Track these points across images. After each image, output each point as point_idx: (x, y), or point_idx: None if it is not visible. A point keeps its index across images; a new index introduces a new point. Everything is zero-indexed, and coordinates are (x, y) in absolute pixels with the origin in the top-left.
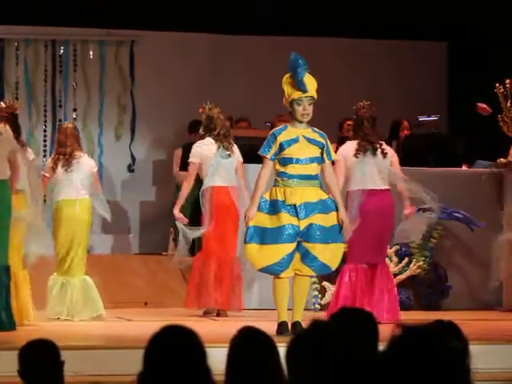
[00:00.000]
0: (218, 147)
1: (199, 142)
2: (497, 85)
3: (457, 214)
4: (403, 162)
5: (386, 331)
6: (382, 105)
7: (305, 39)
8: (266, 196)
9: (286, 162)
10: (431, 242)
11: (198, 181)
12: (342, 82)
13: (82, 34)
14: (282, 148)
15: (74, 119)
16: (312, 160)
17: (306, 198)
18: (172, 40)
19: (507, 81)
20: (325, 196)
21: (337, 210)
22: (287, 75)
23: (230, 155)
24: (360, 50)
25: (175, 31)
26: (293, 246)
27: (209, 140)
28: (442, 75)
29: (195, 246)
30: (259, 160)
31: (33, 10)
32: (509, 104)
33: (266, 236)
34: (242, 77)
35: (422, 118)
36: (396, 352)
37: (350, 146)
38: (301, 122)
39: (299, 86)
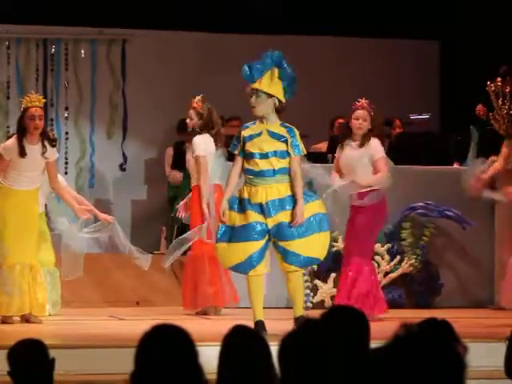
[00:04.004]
0: (215, 146)
1: (200, 136)
2: (488, 83)
3: (448, 213)
4: (395, 160)
5: (377, 329)
6: (373, 103)
7: (295, 38)
8: (237, 194)
9: (247, 157)
10: (423, 240)
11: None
12: (332, 80)
13: (74, 33)
14: (244, 143)
15: (66, 118)
16: (275, 154)
17: (271, 196)
18: (164, 39)
19: (498, 79)
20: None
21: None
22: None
23: (224, 154)
24: (351, 49)
25: (167, 30)
26: (261, 243)
27: (208, 137)
28: (434, 74)
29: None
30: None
31: (24, 8)
32: (500, 102)
33: (234, 234)
34: (233, 75)
35: (413, 117)
36: (397, 351)
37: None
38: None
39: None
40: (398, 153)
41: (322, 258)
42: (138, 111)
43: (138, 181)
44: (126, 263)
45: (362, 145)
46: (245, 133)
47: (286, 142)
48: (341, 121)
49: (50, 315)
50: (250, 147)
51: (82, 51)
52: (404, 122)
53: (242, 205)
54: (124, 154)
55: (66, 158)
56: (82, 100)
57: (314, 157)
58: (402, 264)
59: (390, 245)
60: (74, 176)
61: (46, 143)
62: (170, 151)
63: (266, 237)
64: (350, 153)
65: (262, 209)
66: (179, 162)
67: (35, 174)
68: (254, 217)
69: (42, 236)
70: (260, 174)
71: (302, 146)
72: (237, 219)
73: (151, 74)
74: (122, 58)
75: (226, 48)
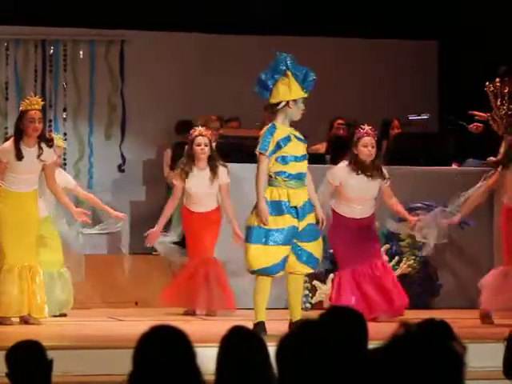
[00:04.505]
0: None
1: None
2: (487, 83)
3: None
4: (393, 160)
5: (376, 330)
6: (372, 104)
7: (293, 38)
8: (267, 195)
9: (286, 160)
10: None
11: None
12: (331, 81)
13: (72, 34)
14: (279, 146)
15: (64, 119)
16: (304, 157)
17: (304, 199)
18: (162, 40)
19: (497, 79)
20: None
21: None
22: (287, 74)
23: None
24: (349, 49)
25: (165, 31)
26: (289, 247)
27: None
28: (432, 74)
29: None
30: (250, 160)
31: (23, 9)
32: (499, 102)
33: (269, 237)
34: (231, 76)
35: (412, 117)
36: (397, 351)
37: None
38: (294, 122)
39: (309, 85)
40: (396, 153)
41: (320, 261)
42: (136, 112)
43: (137, 182)
44: (125, 264)
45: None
46: (277, 136)
47: (305, 144)
48: (340, 121)
49: (61, 315)
50: (288, 150)
51: (81, 52)
52: (402, 123)
53: (276, 207)
54: (122, 155)
55: (65, 159)
56: (80, 101)
57: (312, 158)
58: (401, 264)
59: (388, 245)
60: (72, 177)
61: (42, 145)
62: (168, 152)
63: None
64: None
65: (297, 212)
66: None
67: (32, 176)
68: (291, 221)
69: (50, 238)
70: (297, 177)
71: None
72: (272, 221)
73: (150, 75)
74: (120, 59)
75: (225, 49)
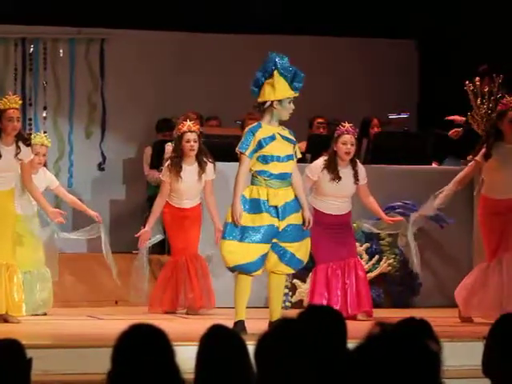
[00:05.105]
0: None
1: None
2: (466, 82)
3: None
4: (373, 159)
5: (355, 328)
6: (351, 102)
7: (272, 37)
8: (246, 194)
9: (267, 159)
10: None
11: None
12: (311, 79)
13: (52, 33)
14: (260, 145)
15: (45, 118)
16: (289, 158)
17: (286, 199)
18: (143, 38)
19: (477, 78)
20: (294, 194)
21: (301, 208)
22: (276, 74)
23: None
24: (328, 48)
25: (146, 30)
26: (268, 246)
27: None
28: (412, 73)
29: (165, 245)
30: (230, 158)
31: (2, 8)
32: (479, 102)
33: (245, 234)
34: (211, 75)
35: (391, 116)
36: (372, 350)
37: None
38: (283, 121)
39: (298, 85)
40: (376, 152)
41: (305, 262)
42: (116, 111)
43: (117, 180)
44: (106, 263)
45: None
46: (259, 135)
47: (294, 145)
48: (320, 120)
49: (41, 314)
50: (270, 150)
51: (61, 51)
52: (382, 122)
53: (254, 205)
54: (103, 154)
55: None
56: (60, 99)
57: None
58: (381, 263)
59: (368, 244)
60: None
61: (20, 144)
62: (148, 151)
63: (272, 240)
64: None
65: (278, 211)
66: (158, 162)
67: (10, 174)
68: (269, 219)
69: (28, 237)
70: (280, 177)
71: (298, 150)
72: (248, 219)
73: (130, 74)
74: (100, 58)
75: (205, 48)
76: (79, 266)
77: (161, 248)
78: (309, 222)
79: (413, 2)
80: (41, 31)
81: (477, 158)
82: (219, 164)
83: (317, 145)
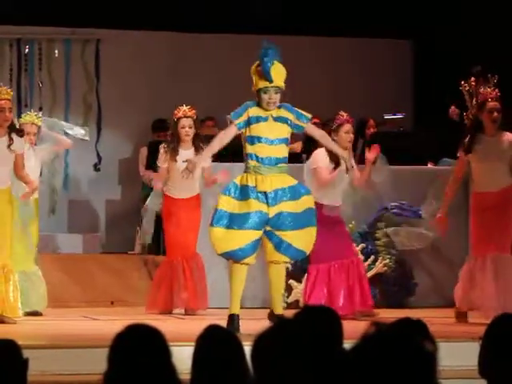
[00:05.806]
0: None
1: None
2: (462, 82)
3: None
4: None
5: (353, 328)
6: (347, 103)
7: (267, 37)
8: (237, 181)
9: (253, 140)
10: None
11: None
12: (306, 79)
13: (48, 33)
14: (249, 122)
15: None
16: (281, 141)
17: (276, 185)
18: (138, 39)
19: (472, 78)
20: (294, 181)
21: (306, 192)
22: (256, 63)
23: None
24: (324, 48)
25: (141, 30)
26: (259, 233)
27: None
28: (407, 73)
29: (161, 245)
30: (227, 159)
31: None
32: (474, 102)
33: (233, 221)
34: (207, 75)
35: (387, 116)
36: (367, 350)
37: None
38: (267, 110)
39: (265, 75)
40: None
41: (307, 253)
42: (112, 111)
43: (113, 181)
44: (102, 263)
45: None
46: (252, 111)
47: (290, 124)
48: (315, 120)
49: (36, 314)
50: (257, 130)
51: (56, 51)
52: (378, 122)
53: (243, 192)
54: (98, 154)
55: None
56: (55, 100)
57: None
58: (377, 264)
59: (364, 244)
60: (48, 177)
61: (13, 135)
62: (144, 151)
63: (265, 227)
64: None
65: (267, 197)
66: (153, 162)
67: (4, 169)
68: (256, 205)
69: (24, 235)
70: (268, 162)
71: (303, 112)
72: (236, 206)
73: (125, 74)
74: (95, 58)
75: (200, 48)
76: (75, 267)
77: (156, 248)
78: (352, 166)
79: (408, 3)
80: (36, 32)
81: (459, 152)
82: (215, 164)
83: (312, 145)
